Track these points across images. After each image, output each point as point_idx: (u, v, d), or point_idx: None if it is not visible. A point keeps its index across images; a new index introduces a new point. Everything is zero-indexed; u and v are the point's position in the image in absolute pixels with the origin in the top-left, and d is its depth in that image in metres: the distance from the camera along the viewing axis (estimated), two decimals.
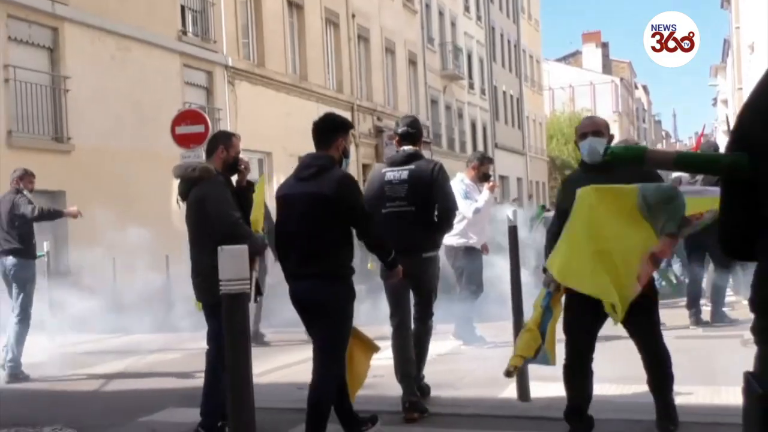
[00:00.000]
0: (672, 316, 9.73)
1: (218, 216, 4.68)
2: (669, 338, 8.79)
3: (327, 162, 4.29)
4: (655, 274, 9.31)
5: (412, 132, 5.40)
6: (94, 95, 14.17)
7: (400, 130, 5.41)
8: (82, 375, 7.51)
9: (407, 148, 5.37)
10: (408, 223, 5.09)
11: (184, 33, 17.20)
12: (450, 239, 7.49)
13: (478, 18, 38.52)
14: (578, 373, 4.31)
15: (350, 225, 4.26)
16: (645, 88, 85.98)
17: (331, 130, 4.42)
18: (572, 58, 71.02)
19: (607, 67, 70.43)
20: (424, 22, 31.24)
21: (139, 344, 9.14)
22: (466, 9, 36.82)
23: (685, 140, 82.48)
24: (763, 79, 1.49)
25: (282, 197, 4.36)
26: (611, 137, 4.45)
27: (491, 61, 39.66)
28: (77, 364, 7.96)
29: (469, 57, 36.67)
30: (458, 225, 7.40)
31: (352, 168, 24.45)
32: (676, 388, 4.57)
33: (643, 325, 4.30)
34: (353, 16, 24.71)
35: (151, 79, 15.66)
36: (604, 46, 72.02)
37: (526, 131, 45.42)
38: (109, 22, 14.73)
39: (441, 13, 33.43)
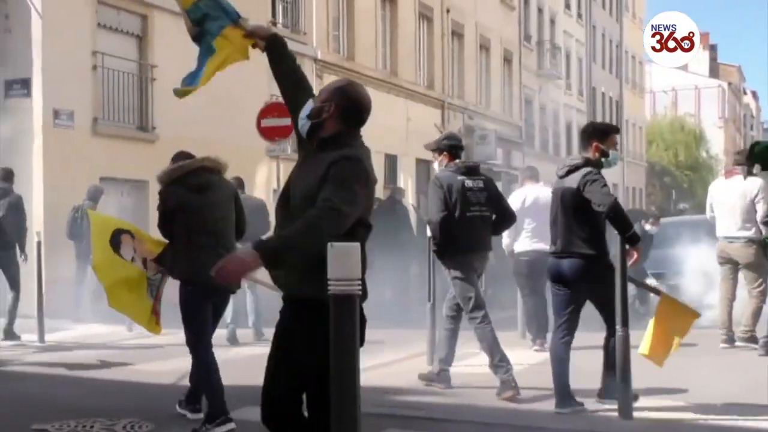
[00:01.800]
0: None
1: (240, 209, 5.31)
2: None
3: (579, 162, 5.23)
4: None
5: (462, 145, 6.46)
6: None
7: (453, 142, 6.34)
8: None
9: (471, 162, 6.57)
10: (488, 225, 6.12)
11: (274, 24, 16.93)
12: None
13: (579, 16, 37.15)
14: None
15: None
16: (754, 93, 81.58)
17: (586, 136, 5.39)
18: None
19: (715, 70, 67.15)
20: (522, 19, 30.24)
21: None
22: (567, 6, 35.54)
23: None
24: None
25: (552, 192, 5.58)
26: (336, 105, 3.09)
27: (591, 61, 38.23)
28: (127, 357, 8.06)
29: (568, 56, 35.40)
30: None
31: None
32: None
33: None
34: (448, 11, 24.05)
35: (237, 70, 15.30)
36: (712, 48, 68.60)
37: (625, 135, 43.66)
38: None
39: (540, 10, 32.34)
